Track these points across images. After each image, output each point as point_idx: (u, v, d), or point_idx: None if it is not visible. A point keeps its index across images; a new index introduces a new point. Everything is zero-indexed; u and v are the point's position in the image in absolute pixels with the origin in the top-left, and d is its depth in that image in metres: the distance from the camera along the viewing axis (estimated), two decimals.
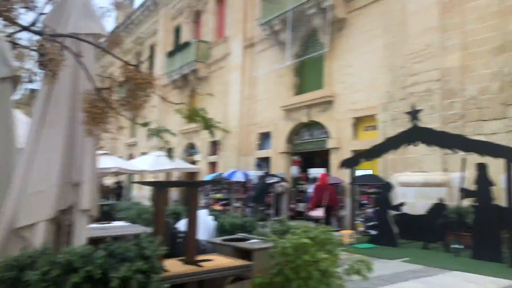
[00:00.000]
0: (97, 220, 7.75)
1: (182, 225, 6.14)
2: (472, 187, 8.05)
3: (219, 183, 17.57)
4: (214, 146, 19.93)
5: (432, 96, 10.32)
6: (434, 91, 10.31)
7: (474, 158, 7.92)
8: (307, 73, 15.41)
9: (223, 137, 18.80)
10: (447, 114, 10.04)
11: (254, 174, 16.04)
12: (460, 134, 8.89)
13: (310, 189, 13.44)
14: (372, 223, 11.12)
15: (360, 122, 12.96)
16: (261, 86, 17.24)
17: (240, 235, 5.10)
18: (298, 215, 14.31)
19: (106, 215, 8.90)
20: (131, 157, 26.64)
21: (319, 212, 10.17)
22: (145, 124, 3.74)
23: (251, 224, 6.16)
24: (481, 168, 7.81)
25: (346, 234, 9.95)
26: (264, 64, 16.98)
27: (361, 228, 11.38)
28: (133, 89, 2.95)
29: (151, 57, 28.80)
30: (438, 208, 8.71)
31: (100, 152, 15.81)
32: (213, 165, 19.90)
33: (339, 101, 13.49)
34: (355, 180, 10.88)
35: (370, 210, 11.38)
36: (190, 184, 4.35)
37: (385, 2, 12.29)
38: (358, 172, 12.21)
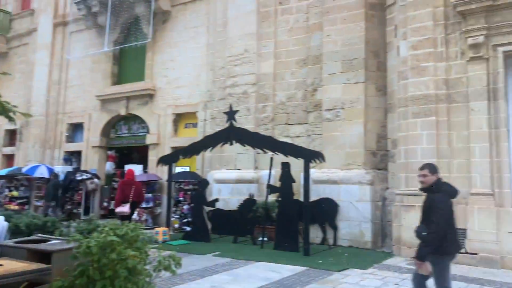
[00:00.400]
0: None
1: None
2: (277, 183, 8.86)
3: (15, 179, 15.08)
4: (12, 136, 17.03)
5: (248, 99, 10.95)
6: (250, 94, 10.96)
7: (281, 158, 8.70)
8: (128, 63, 14.54)
9: (23, 126, 16.21)
10: (260, 116, 10.80)
11: (62, 169, 14.31)
12: (270, 136, 9.70)
13: None
14: (187, 220, 11.20)
15: (181, 119, 12.89)
16: (74, 71, 15.50)
17: (38, 236, 4.43)
18: (111, 214, 13.38)
19: None
20: None
21: (124, 208, 9.78)
22: None
23: (53, 224, 5.58)
24: (285, 167, 8.64)
25: (160, 231, 9.73)
26: (79, 46, 15.33)
27: (176, 225, 11.34)
28: None
29: None
30: (248, 203, 9.27)
31: None
32: (9, 158, 16.97)
33: (161, 95, 13.15)
34: (172, 177, 10.75)
35: (186, 207, 11.43)
36: None
37: (209, 1, 12.51)
38: (177, 169, 12.18)
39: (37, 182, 14.95)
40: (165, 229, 9.85)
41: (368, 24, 9.49)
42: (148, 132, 13.26)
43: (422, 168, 4.20)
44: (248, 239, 9.26)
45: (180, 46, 13.03)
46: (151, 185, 12.34)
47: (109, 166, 14.18)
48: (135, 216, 11.79)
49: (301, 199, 8.28)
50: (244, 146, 9.49)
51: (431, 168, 4.20)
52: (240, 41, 11.36)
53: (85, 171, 13.98)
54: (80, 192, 13.64)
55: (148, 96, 13.30)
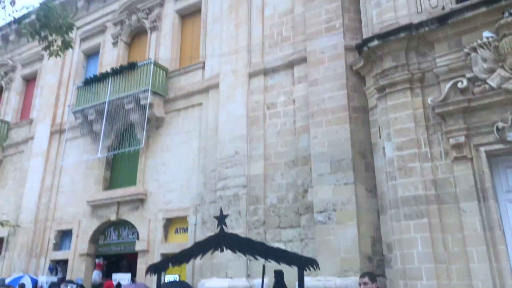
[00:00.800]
0: None
1: None
2: None
3: None
4: None
5: (239, 201, 10.83)
6: (241, 197, 10.87)
7: (274, 265, 8.29)
8: (120, 168, 14.65)
9: (10, 234, 15.76)
10: (252, 219, 10.59)
11: (46, 280, 13.59)
12: (261, 242, 9.32)
13: None
14: None
15: (172, 224, 12.59)
16: (67, 177, 15.52)
17: None
18: None
19: None
20: None
21: None
22: None
23: None
24: (278, 275, 8.21)
25: None
26: (73, 153, 15.55)
27: None
28: None
29: None
30: None
31: None
32: None
33: (152, 200, 13.02)
34: (161, 286, 10.14)
35: None
36: None
37: (201, 107, 13.01)
38: (167, 277, 11.57)
39: None
40: None
41: (353, 126, 9.78)
42: (137, 238, 12.86)
43: (362, 276, 4.94)
44: None
45: (172, 150, 13.25)
46: None
47: (96, 275, 13.45)
48: None
49: None
50: (235, 253, 9.11)
51: (371, 276, 4.94)
52: (230, 144, 11.60)
53: (71, 281, 13.22)
54: None
55: (139, 201, 13.15)
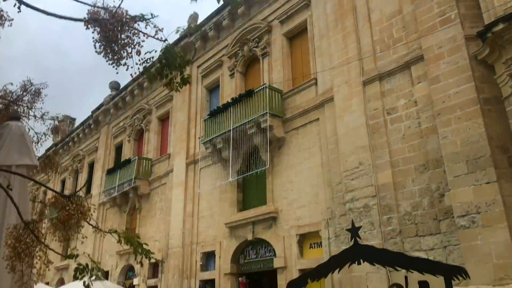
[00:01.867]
0: None
1: None
2: None
3: None
4: (154, 268, 18.63)
5: (370, 212, 10.64)
6: (371, 207, 10.67)
7: (417, 276, 7.92)
8: (251, 189, 15.55)
9: (163, 258, 17.76)
10: (386, 230, 10.29)
11: None
12: (400, 252, 9.02)
13: None
14: None
15: (305, 239, 12.87)
16: (205, 203, 17.02)
17: None
18: None
19: None
20: (61, 283, 24.15)
21: None
22: (72, 257, 3.40)
23: None
24: (423, 287, 7.79)
25: None
26: (208, 180, 17.01)
27: None
28: (63, 220, 2.71)
29: (90, 175, 28.02)
30: None
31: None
32: None
33: (283, 217, 13.51)
34: None
35: None
36: None
37: (319, 123, 13.23)
38: None
39: None
40: None
41: (487, 120, 8.97)
42: (275, 255, 13.41)
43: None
44: None
45: (296, 168, 13.65)
46: None
47: None
48: None
49: None
50: (373, 265, 8.94)
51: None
52: (353, 155, 11.53)
53: None
54: None
55: (271, 219, 13.76)
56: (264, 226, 14.02)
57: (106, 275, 21.47)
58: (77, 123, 32.56)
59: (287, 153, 14.16)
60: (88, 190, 27.34)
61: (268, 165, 14.09)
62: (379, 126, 11.31)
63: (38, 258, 2.58)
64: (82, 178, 28.81)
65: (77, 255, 3.18)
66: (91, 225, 3.13)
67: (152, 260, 3.20)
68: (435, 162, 9.80)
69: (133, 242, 3.24)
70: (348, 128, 11.90)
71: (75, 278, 3.27)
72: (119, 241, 3.23)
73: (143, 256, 3.33)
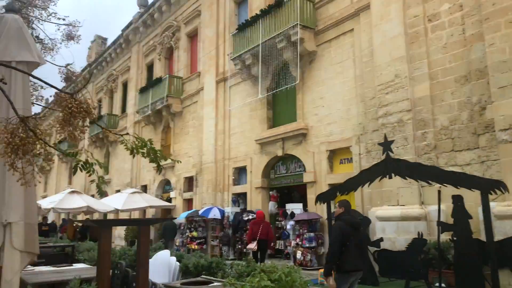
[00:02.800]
0: (56, 262, 7.24)
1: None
2: (448, 220, 7.82)
3: (194, 220, 16.96)
4: (190, 182, 19.41)
5: (405, 127, 10.21)
6: (406, 122, 10.22)
7: (450, 191, 7.70)
8: (281, 106, 15.28)
9: (198, 173, 18.37)
10: (421, 145, 9.91)
11: (231, 210, 15.56)
12: (434, 166, 8.72)
13: (289, 225, 13.03)
14: None
15: (336, 155, 12.75)
16: (235, 120, 17.01)
17: (203, 278, 4.71)
18: (278, 253, 13.82)
19: (67, 257, 8.29)
20: (105, 195, 25.84)
21: (252, 245, 10.85)
22: (73, 154, 3.30)
23: (218, 265, 5.75)
24: (458, 201, 7.58)
25: None
26: (238, 97, 16.83)
27: None
28: (67, 118, 2.56)
29: (124, 95, 28.47)
30: (418, 243, 8.36)
31: (69, 190, 14.82)
32: (189, 202, 19.31)
33: (313, 133, 13.32)
34: (332, 215, 10.56)
35: None
36: (139, 223, 3.90)
37: (353, 34, 12.37)
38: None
39: (212, 223, 16.55)
40: None
41: None
42: (304, 170, 13.48)
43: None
44: (422, 284, 8.31)
45: (327, 83, 13.11)
46: (312, 224, 12.35)
47: (272, 206, 14.79)
48: (299, 256, 11.94)
49: (482, 238, 7.10)
50: (405, 179, 8.74)
51: (340, 203, 5.49)
52: (389, 67, 10.84)
53: (251, 211, 14.87)
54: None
55: (301, 136, 13.62)
56: (294, 142, 13.94)
57: (144, 189, 22.69)
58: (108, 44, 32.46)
59: (318, 68, 13.54)
60: (123, 109, 28.01)
61: (298, 81, 13.59)
62: (419, 34, 10.40)
63: (39, 154, 2.45)
64: (117, 97, 29.36)
65: (77, 153, 3.07)
66: (99, 125, 2.96)
67: (168, 162, 3.05)
68: (478, 72, 9.03)
69: (148, 149, 3.07)
70: (385, 38, 11.04)
71: (75, 173, 3.19)
72: (132, 153, 3.07)
73: (158, 163, 3.17)
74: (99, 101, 32.35)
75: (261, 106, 15.64)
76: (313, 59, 13.69)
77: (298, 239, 12.40)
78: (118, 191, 20.86)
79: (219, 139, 17.50)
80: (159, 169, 3.08)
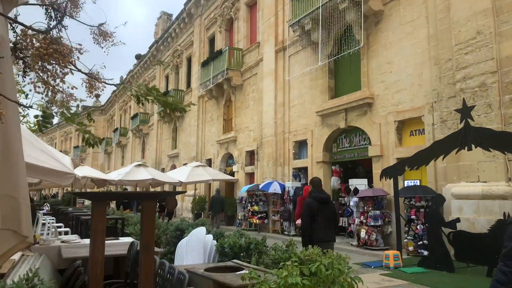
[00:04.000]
0: (107, 235, 7.19)
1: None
2: None
3: (255, 194, 16.62)
4: (251, 156, 19.06)
5: (488, 92, 8.76)
6: (490, 86, 8.74)
7: None
8: (343, 74, 14.14)
9: (258, 146, 17.93)
10: (508, 112, 8.44)
11: (292, 185, 14.95)
12: None
13: (352, 202, 12.16)
14: (422, 242, 9.70)
15: (405, 126, 11.49)
16: (295, 91, 16.16)
17: (234, 262, 4.18)
18: (341, 231, 13.03)
19: (113, 230, 8.27)
20: (174, 168, 26.52)
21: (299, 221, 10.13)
22: (70, 119, 2.78)
23: (257, 246, 5.10)
24: None
25: (391, 255, 8.66)
26: (297, 67, 15.91)
27: (411, 248, 9.98)
28: (36, 61, 2.09)
29: (188, 70, 28.63)
30: (503, 225, 7.17)
31: (135, 163, 15.29)
32: (250, 176, 19.02)
33: (380, 103, 12.12)
34: (400, 191, 9.56)
35: (420, 227, 9.93)
36: (141, 197, 3.38)
37: None
38: (405, 183, 10.89)
39: (272, 198, 16.11)
40: (396, 252, 8.71)
41: None
42: (369, 143, 12.39)
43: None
44: None
45: (396, 46, 11.75)
46: (378, 201, 11.36)
47: (334, 181, 13.93)
48: (363, 235, 11.08)
49: None
50: (489, 151, 7.47)
51: (311, 181, 6.16)
52: (469, 23, 9.31)
53: None
54: None
55: (366, 106, 12.48)
56: (358, 113, 12.83)
57: (209, 163, 22.84)
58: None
59: (385, 29, 12.16)
60: (188, 85, 28.24)
61: (362, 44, 12.35)
62: None
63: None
64: (182, 72, 29.65)
65: (75, 118, 2.54)
66: (79, 70, 2.38)
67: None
68: None
69: (154, 92, 2.48)
70: None
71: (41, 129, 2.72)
72: (138, 102, 2.50)
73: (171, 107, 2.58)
74: (166, 77, 32.99)
75: (322, 75, 14.61)
76: (380, 19, 12.32)
77: (362, 216, 11.52)
78: (185, 164, 21.19)
79: (279, 111, 16.80)
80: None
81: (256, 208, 16.50)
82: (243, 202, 17.62)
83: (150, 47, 35.71)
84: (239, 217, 17.71)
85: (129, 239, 6.85)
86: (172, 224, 6.30)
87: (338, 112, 13.49)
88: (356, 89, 13.04)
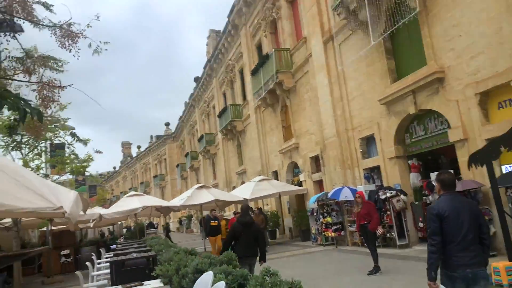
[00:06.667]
0: (136, 275, 6.15)
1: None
2: None
3: (326, 204, 14.88)
4: (316, 162, 17.35)
5: None
6: None
7: None
8: (403, 51, 12.03)
9: (322, 150, 16.21)
10: None
11: (365, 189, 12.98)
12: None
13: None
14: None
15: (490, 98, 9.16)
16: (352, 82, 14.26)
17: None
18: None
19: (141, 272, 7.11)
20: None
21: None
22: None
23: None
24: None
25: (502, 268, 6.59)
26: (349, 55, 14.05)
27: None
28: None
29: (242, 82, 27.78)
30: None
31: (196, 186, 14.99)
32: (319, 184, 17.29)
33: (453, 75, 9.91)
34: (499, 180, 7.42)
35: None
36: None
37: None
38: (503, 169, 8.60)
39: (345, 206, 14.28)
40: (510, 264, 6.60)
41: None
42: (449, 127, 10.16)
43: None
44: None
45: (461, 3, 9.54)
46: (470, 195, 9.12)
47: (414, 178, 11.74)
48: None
49: None
50: None
51: (241, 207, 7.96)
52: None
53: (389, 188, 12.12)
54: (388, 213, 11.85)
55: (437, 82, 10.30)
56: (428, 93, 10.68)
57: (275, 175, 21.55)
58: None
59: None
60: (244, 97, 27.35)
61: (419, 9, 10.26)
62: None
63: None
64: (237, 86, 28.90)
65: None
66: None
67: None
68: None
69: None
70: None
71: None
72: None
73: None
74: (224, 94, 32.52)
75: (378, 57, 12.62)
76: None
77: None
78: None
79: (338, 107, 14.97)
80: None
81: (329, 219, 14.74)
82: (314, 214, 15.96)
83: (204, 67, 35.70)
84: (313, 231, 16.05)
85: (156, 284, 5.63)
86: (191, 261, 4.75)
87: (404, 96, 11.40)
88: (422, 65, 10.89)
